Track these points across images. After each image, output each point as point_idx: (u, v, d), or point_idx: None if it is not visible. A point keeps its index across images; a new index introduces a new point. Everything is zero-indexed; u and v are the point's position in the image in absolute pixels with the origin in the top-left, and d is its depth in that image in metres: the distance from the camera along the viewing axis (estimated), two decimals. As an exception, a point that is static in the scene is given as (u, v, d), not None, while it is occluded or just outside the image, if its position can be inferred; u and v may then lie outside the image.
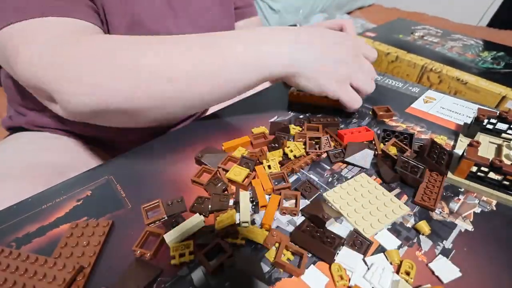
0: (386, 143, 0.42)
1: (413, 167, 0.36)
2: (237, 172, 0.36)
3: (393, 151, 0.41)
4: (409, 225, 0.32)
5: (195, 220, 0.31)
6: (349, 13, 1.69)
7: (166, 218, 0.33)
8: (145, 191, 0.36)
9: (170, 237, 0.30)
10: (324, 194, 0.35)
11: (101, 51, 0.34)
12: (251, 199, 0.34)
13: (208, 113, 0.67)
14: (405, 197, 0.35)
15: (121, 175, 0.39)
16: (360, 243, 0.30)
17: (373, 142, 0.43)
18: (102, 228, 0.31)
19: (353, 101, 0.44)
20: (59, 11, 0.37)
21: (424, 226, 0.31)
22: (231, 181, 0.36)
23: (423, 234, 0.31)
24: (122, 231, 0.32)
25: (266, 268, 0.28)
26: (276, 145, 0.42)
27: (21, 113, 0.56)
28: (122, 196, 0.36)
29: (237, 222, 0.32)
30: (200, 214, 0.33)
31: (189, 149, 0.43)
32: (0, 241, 0.31)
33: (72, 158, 0.52)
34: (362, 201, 0.34)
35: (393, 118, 0.49)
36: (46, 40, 0.34)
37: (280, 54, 0.39)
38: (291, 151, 0.40)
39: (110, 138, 0.58)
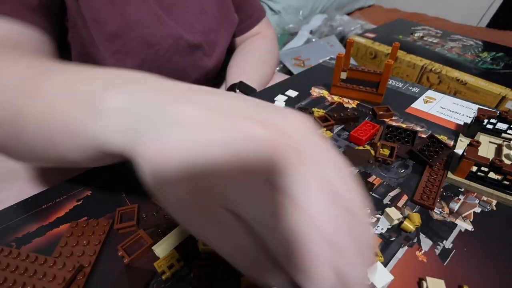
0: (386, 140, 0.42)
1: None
2: None
3: (385, 152, 0.41)
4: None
5: (183, 228, 0.30)
6: (349, 14, 1.69)
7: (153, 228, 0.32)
8: (145, 191, 0.36)
9: (160, 249, 0.29)
10: None
11: None
12: None
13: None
14: (405, 197, 0.35)
15: (121, 175, 0.39)
16: None
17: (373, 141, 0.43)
18: (103, 228, 0.31)
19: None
20: None
21: (408, 224, 0.31)
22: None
23: (409, 232, 0.31)
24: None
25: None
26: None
27: None
28: (122, 196, 0.36)
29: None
30: None
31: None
32: (0, 241, 0.31)
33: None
34: None
35: (393, 118, 0.49)
36: None
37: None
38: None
39: None
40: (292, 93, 0.54)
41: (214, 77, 0.65)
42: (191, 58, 0.42)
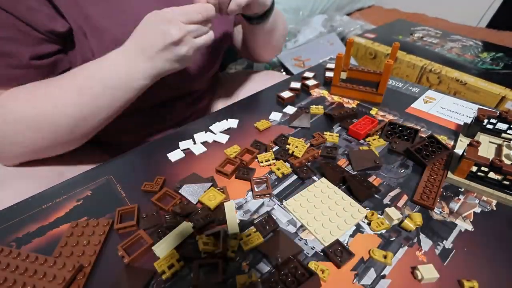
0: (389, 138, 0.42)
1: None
2: (212, 197, 0.34)
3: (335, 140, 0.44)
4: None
5: (183, 228, 0.30)
6: (349, 14, 1.70)
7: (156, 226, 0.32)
8: (145, 191, 0.36)
9: (160, 249, 0.29)
10: (284, 203, 0.35)
11: (9, 119, 0.39)
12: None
13: (207, 115, 0.67)
14: (405, 197, 0.35)
15: (121, 175, 0.39)
16: (340, 252, 0.29)
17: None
18: (103, 228, 0.31)
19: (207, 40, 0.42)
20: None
21: (409, 223, 0.31)
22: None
23: (409, 231, 0.31)
24: (122, 231, 0.32)
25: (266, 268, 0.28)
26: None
27: None
28: (122, 196, 0.36)
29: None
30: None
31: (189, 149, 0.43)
32: (0, 241, 0.31)
33: (73, 160, 0.52)
34: (322, 208, 0.34)
35: (393, 117, 0.49)
36: None
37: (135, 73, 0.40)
38: (296, 147, 0.41)
39: (105, 139, 0.58)
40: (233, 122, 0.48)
41: (212, 75, 0.65)
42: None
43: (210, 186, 0.36)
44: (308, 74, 0.60)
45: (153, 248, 0.29)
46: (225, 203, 0.34)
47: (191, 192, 0.35)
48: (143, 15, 0.41)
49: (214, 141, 0.44)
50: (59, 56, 0.43)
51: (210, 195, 0.34)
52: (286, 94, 0.54)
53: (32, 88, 0.40)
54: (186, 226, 0.31)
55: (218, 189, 0.35)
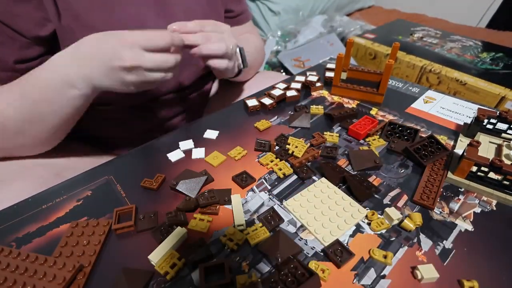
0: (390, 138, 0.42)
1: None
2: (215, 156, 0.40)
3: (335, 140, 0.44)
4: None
5: (178, 234, 0.30)
6: (348, 14, 1.70)
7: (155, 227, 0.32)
8: (145, 191, 0.36)
9: (155, 257, 0.28)
10: (284, 203, 0.35)
11: None
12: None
13: (207, 113, 0.67)
14: (405, 197, 0.35)
15: (121, 175, 0.39)
16: (340, 252, 0.29)
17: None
18: (103, 228, 0.31)
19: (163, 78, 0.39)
20: None
21: (409, 223, 0.31)
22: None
23: (409, 231, 0.32)
24: (122, 231, 0.32)
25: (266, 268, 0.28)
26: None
27: None
28: (122, 196, 0.36)
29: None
30: (187, 211, 0.33)
31: (189, 149, 0.43)
32: (1, 241, 0.31)
33: (71, 160, 0.52)
34: (322, 208, 0.34)
35: (393, 117, 0.49)
36: None
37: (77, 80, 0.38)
38: (296, 147, 0.41)
39: (104, 136, 0.58)
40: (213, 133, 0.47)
41: (206, 74, 0.65)
42: (182, 56, 0.42)
43: (206, 180, 0.37)
44: (312, 78, 0.58)
45: (149, 257, 0.28)
46: (232, 196, 0.35)
47: (187, 188, 0.36)
48: (134, 14, 0.41)
49: (205, 138, 0.45)
50: (45, 58, 0.42)
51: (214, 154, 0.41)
52: (267, 100, 0.52)
53: None
54: (180, 231, 0.31)
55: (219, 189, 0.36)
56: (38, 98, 0.39)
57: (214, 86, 0.73)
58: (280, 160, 0.40)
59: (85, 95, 0.39)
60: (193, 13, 0.55)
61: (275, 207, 0.34)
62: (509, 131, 0.41)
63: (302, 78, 0.59)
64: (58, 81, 0.37)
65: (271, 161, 0.40)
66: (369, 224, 0.32)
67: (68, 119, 0.42)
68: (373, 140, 0.44)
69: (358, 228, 0.32)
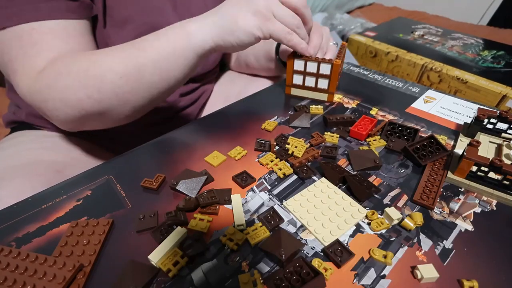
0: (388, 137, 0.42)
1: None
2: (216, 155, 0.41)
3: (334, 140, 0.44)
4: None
5: (178, 233, 0.30)
6: (349, 12, 1.69)
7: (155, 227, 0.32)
8: (144, 191, 0.36)
9: (155, 256, 0.28)
10: (284, 203, 0.35)
11: (64, 72, 0.39)
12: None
13: (206, 114, 0.67)
14: (405, 197, 0.35)
15: (121, 175, 0.39)
16: (340, 252, 0.29)
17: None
18: (102, 227, 0.31)
19: (286, 34, 0.42)
20: (40, 15, 0.39)
21: (409, 222, 0.31)
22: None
23: (409, 230, 0.32)
24: (122, 231, 0.32)
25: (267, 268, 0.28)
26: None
27: (22, 106, 0.57)
28: (122, 196, 0.36)
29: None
30: (187, 210, 0.33)
31: (189, 149, 0.43)
32: (0, 241, 0.31)
33: (71, 157, 0.52)
34: (322, 208, 0.34)
35: (393, 117, 0.49)
36: (31, 69, 0.39)
37: (202, 28, 0.41)
38: (295, 147, 0.41)
39: (106, 130, 0.59)
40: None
41: (214, 68, 0.65)
42: None
43: (206, 179, 0.37)
44: None
45: (149, 257, 0.28)
46: (232, 196, 0.35)
47: (187, 188, 0.36)
48: (162, 4, 0.44)
49: (205, 138, 0.45)
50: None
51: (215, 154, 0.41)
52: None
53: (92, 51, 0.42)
54: (180, 231, 0.31)
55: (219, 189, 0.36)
56: (156, 46, 0.40)
57: (214, 86, 0.73)
58: (280, 160, 0.40)
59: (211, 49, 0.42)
60: (206, 8, 0.56)
61: (275, 207, 0.34)
62: (509, 131, 0.41)
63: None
64: (185, 32, 0.41)
65: (271, 161, 0.40)
66: (369, 224, 0.32)
67: (185, 77, 0.44)
68: (374, 140, 0.43)
69: (358, 228, 0.32)
